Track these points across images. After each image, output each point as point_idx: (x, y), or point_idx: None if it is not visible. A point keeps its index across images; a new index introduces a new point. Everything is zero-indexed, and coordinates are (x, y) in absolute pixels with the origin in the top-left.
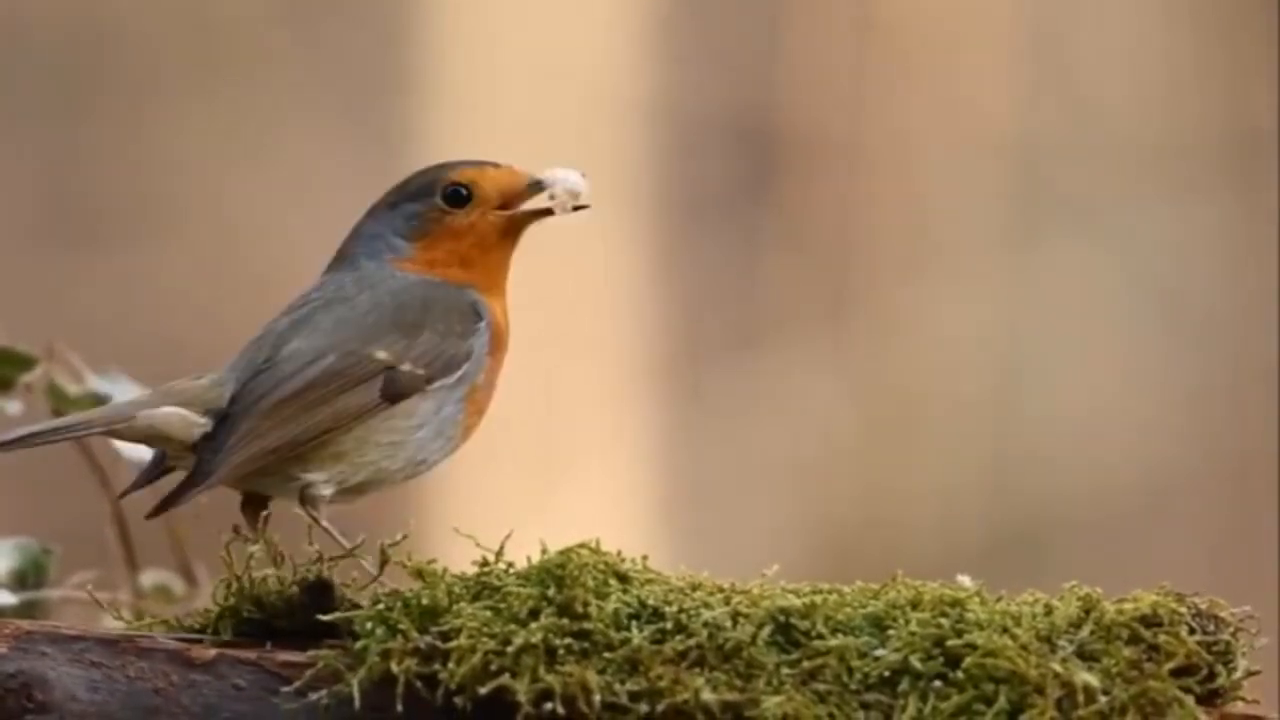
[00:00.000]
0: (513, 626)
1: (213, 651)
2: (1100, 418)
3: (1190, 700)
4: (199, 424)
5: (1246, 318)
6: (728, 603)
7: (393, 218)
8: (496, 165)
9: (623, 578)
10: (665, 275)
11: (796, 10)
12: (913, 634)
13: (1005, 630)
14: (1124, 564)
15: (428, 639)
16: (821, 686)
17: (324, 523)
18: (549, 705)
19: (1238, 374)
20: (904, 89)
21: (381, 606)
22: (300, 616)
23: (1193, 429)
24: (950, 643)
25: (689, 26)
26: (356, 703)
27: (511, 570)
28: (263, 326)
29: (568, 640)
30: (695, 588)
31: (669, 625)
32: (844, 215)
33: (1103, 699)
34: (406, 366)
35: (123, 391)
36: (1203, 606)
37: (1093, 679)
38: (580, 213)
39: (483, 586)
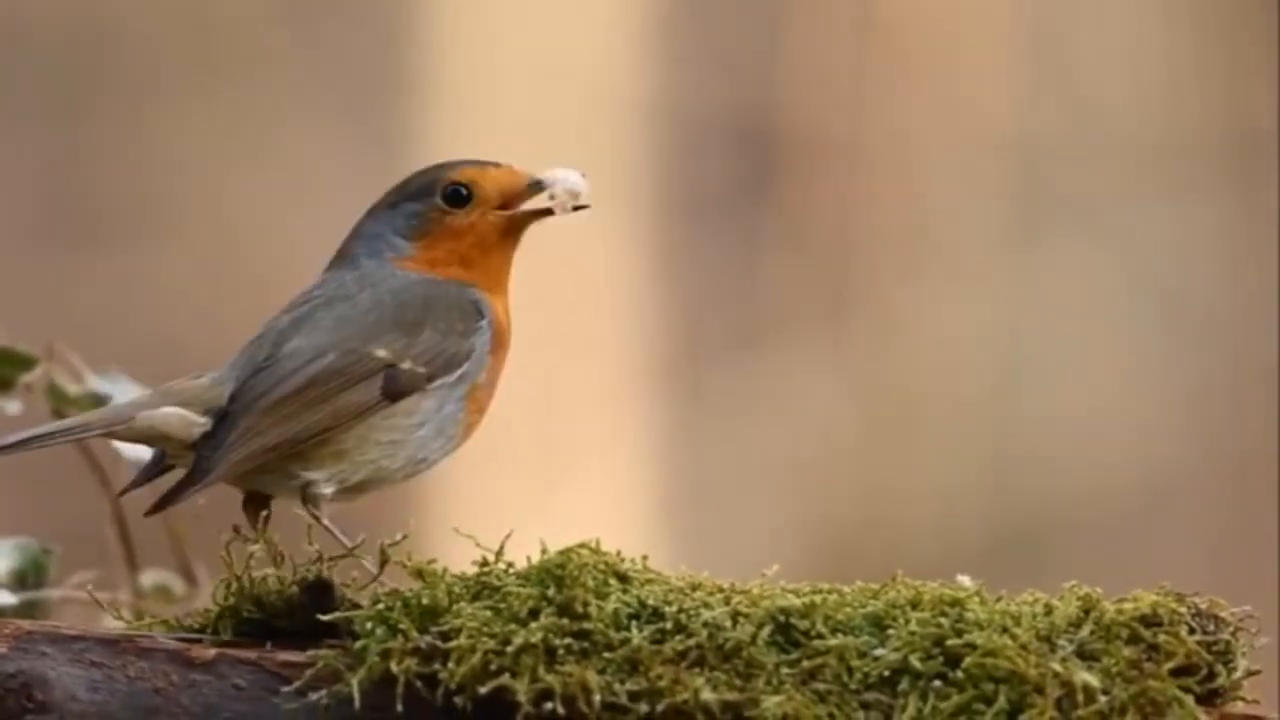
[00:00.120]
0: (513, 626)
1: (213, 651)
2: (1100, 418)
3: (1190, 700)
4: (199, 423)
5: (1246, 318)
6: (728, 603)
7: (393, 217)
8: (497, 165)
9: (623, 578)
10: (665, 275)
11: (796, 10)
12: (913, 634)
13: (1005, 630)
14: (1124, 564)
15: (428, 639)
16: (821, 686)
17: (325, 522)
18: (549, 705)
19: (1238, 374)
20: (904, 89)
21: (381, 606)
22: (300, 616)
23: (1193, 429)
24: (950, 642)
25: (689, 26)
26: (356, 703)
27: (511, 570)
28: (263, 325)
29: (568, 640)
30: (695, 588)
31: (669, 625)
32: (844, 215)
33: (1102, 699)
34: (407, 364)
35: (123, 391)
36: (1203, 606)
37: (1092, 679)
38: (580, 212)
39: (483, 586)
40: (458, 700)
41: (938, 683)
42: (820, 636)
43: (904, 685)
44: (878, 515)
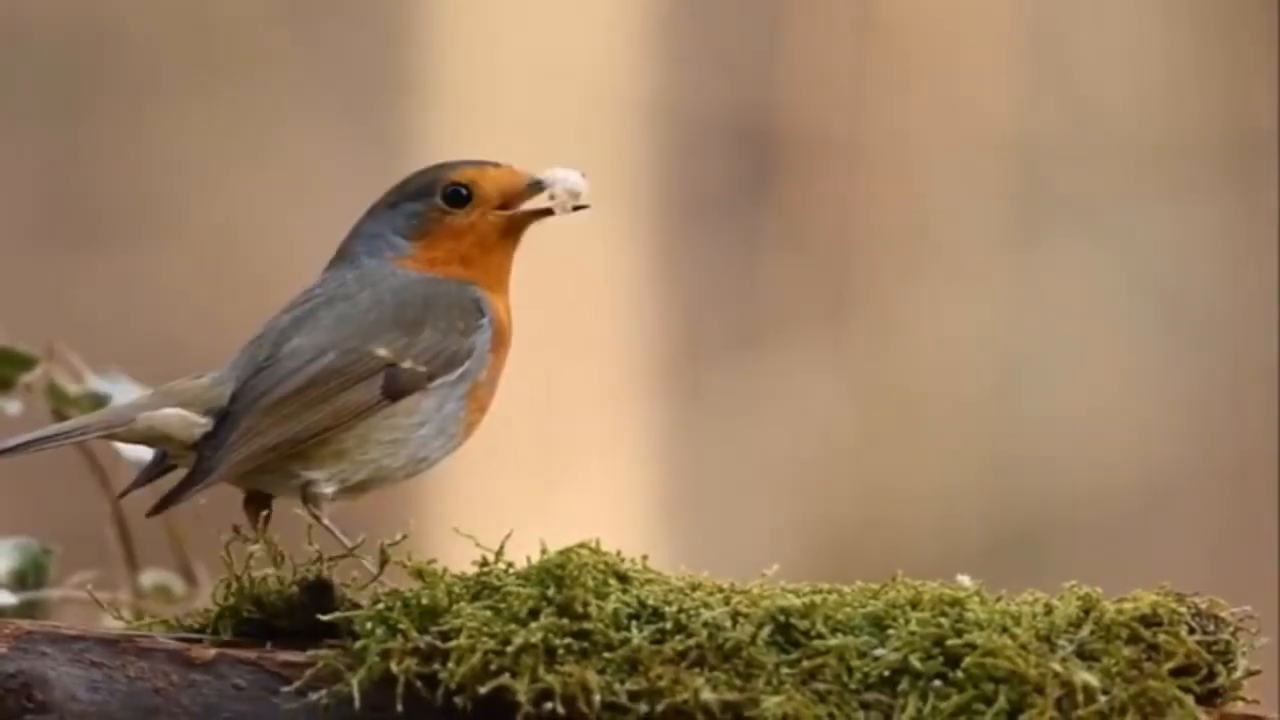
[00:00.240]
0: (513, 626)
1: (213, 651)
2: (1100, 418)
3: (1190, 700)
4: (199, 424)
5: (1246, 318)
6: (728, 603)
7: (393, 217)
8: (496, 165)
9: (623, 578)
10: (665, 275)
11: (796, 10)
12: (912, 634)
13: (1005, 630)
14: (1124, 564)
15: (428, 639)
16: (821, 686)
17: (325, 521)
18: (549, 705)
19: (1238, 374)
20: (904, 89)
21: (381, 606)
22: (300, 616)
23: (1193, 429)
24: (950, 642)
25: (689, 26)
26: (356, 703)
27: (511, 570)
28: (263, 324)
29: (567, 640)
30: (695, 588)
31: (669, 625)
32: (844, 215)
33: (1102, 699)
34: (407, 364)
35: (123, 391)
36: (1203, 606)
37: (1092, 679)
38: (580, 212)
39: (483, 586)
40: (458, 700)
41: (938, 683)
42: (820, 636)
43: (904, 685)
44: (878, 515)
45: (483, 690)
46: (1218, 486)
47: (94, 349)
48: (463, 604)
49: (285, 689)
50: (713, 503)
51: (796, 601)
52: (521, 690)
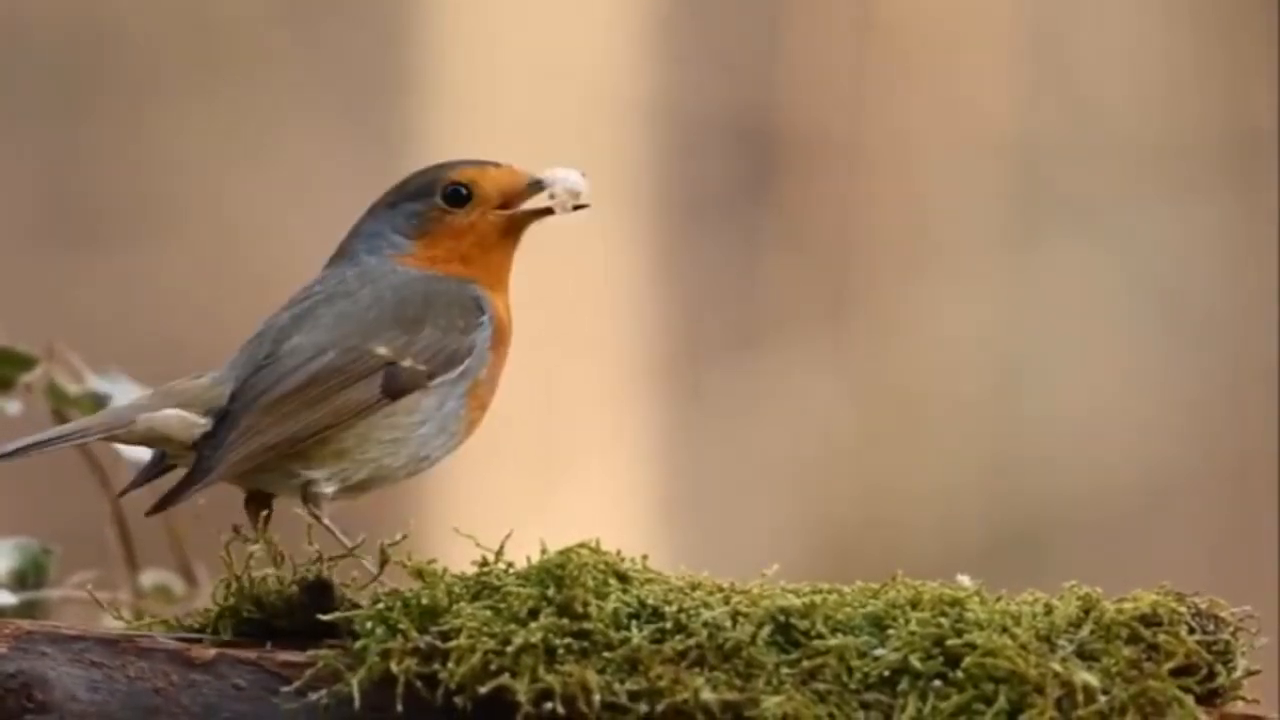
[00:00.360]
0: (512, 626)
1: (213, 651)
2: (1100, 418)
3: (1190, 700)
4: (199, 424)
5: (1246, 318)
6: (727, 602)
7: (393, 216)
8: (496, 165)
9: (623, 577)
10: (665, 275)
11: (796, 10)
12: (912, 634)
13: (1005, 630)
14: (1124, 564)
15: (428, 639)
16: (821, 686)
17: (326, 521)
18: (549, 705)
19: (1238, 374)
20: (904, 89)
21: (381, 606)
22: (300, 616)
23: (1193, 429)
24: (950, 642)
25: (689, 26)
26: (356, 702)
27: (511, 570)
28: (263, 322)
29: (567, 640)
30: (695, 588)
31: (669, 625)
32: (844, 215)
33: (1102, 698)
34: (407, 362)
35: (123, 391)
36: (1203, 606)
37: (1092, 678)
38: (580, 212)
39: (483, 586)
40: (458, 700)
41: (938, 683)
42: (820, 636)
43: (904, 685)
44: (878, 515)
45: (483, 690)
46: (1218, 486)
47: (94, 349)
48: (463, 604)
49: (285, 689)
50: (713, 503)
51: (796, 601)
52: (521, 690)
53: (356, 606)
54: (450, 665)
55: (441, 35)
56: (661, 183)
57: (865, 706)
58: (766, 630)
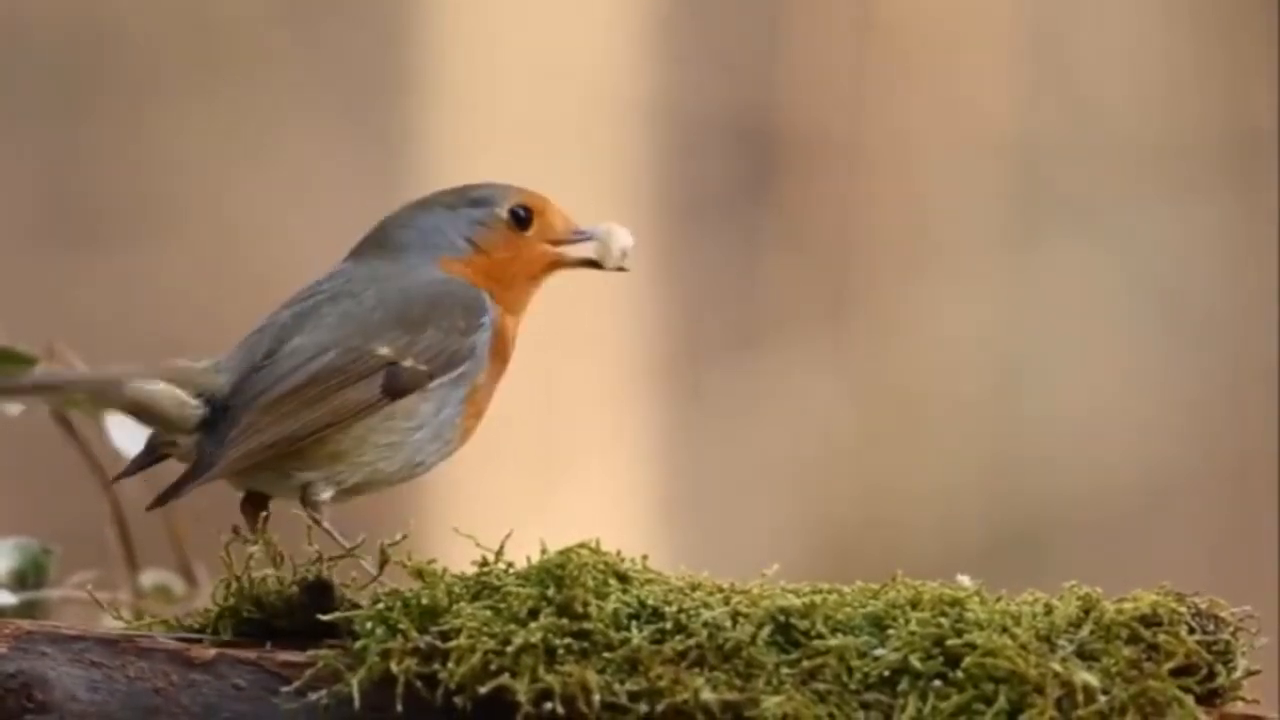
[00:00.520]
0: (512, 626)
1: (213, 651)
2: (1100, 418)
3: (1190, 700)
4: (190, 404)
5: (1246, 318)
6: (727, 603)
7: (455, 219)
8: (552, 201)
9: (623, 578)
10: (665, 275)
11: (796, 10)
12: (912, 634)
13: (1005, 630)
14: (1124, 564)
15: (427, 639)
16: (821, 686)
17: (325, 525)
18: (549, 705)
19: (1238, 374)
20: (904, 89)
21: (381, 606)
22: (300, 616)
23: (1193, 429)
24: (950, 642)
25: (689, 26)
26: (356, 703)
27: (511, 570)
28: (265, 318)
29: (567, 640)
30: (695, 588)
31: (669, 625)
32: (844, 215)
33: (1102, 698)
34: (408, 362)
35: None
36: (1203, 606)
37: (1092, 678)
38: (604, 270)
39: (482, 586)
40: (457, 700)
41: (938, 683)
42: (820, 636)
43: (904, 685)
44: (878, 515)
45: (483, 690)
46: (1218, 486)
47: (94, 349)
48: (463, 604)
49: (285, 689)
50: (713, 503)
51: (796, 601)
52: (521, 690)
53: (356, 606)
54: (450, 665)
55: (441, 35)
56: (661, 183)
57: (865, 706)
58: (766, 630)
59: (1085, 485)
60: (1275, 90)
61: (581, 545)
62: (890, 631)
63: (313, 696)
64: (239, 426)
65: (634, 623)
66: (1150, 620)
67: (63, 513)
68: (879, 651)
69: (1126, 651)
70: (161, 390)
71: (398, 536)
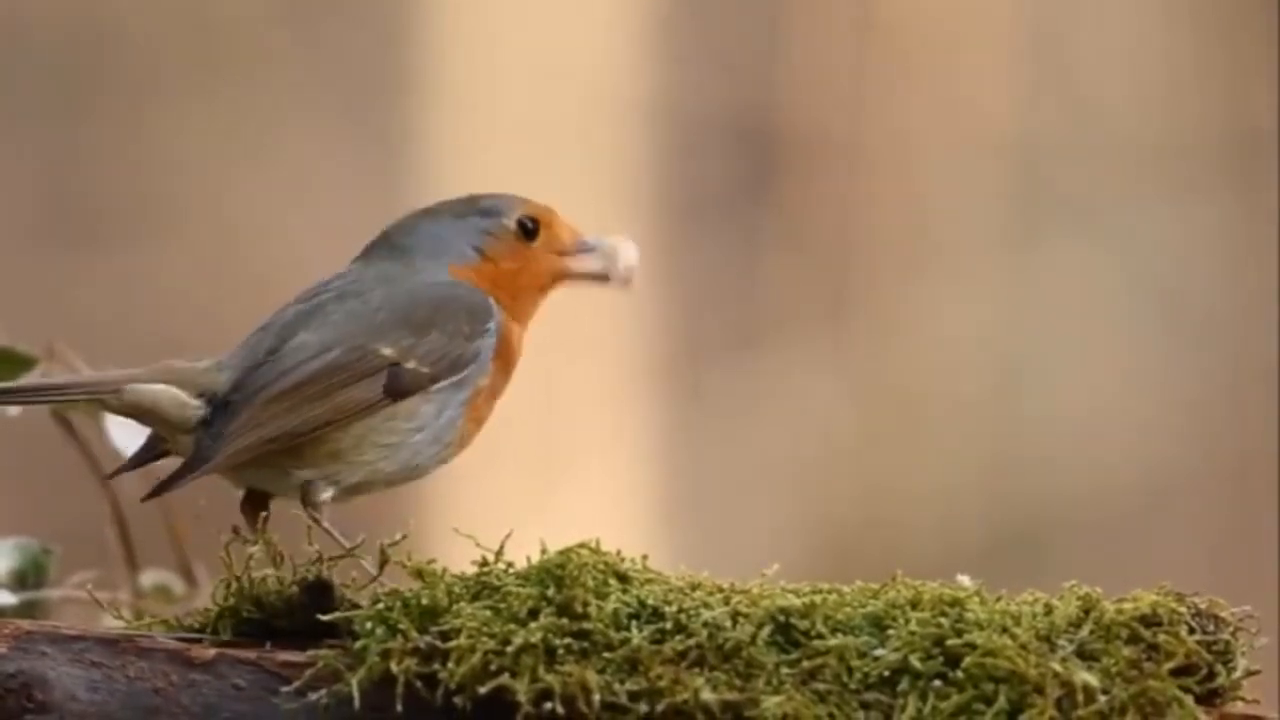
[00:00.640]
0: (512, 626)
1: (213, 651)
2: (1100, 418)
3: (1190, 700)
4: (191, 405)
5: (1246, 318)
6: (727, 603)
7: (463, 227)
8: (558, 213)
9: (623, 578)
10: (665, 275)
11: (796, 10)
12: (912, 634)
13: (1005, 630)
14: (1124, 564)
15: (427, 639)
16: (821, 686)
17: (325, 525)
18: (549, 705)
19: (1238, 374)
20: (904, 89)
21: (381, 606)
22: (300, 616)
23: (1193, 429)
24: (950, 642)
25: (689, 26)
26: (356, 702)
27: (511, 570)
28: (270, 316)
29: (567, 640)
30: (695, 588)
31: (669, 625)
32: (844, 215)
33: (1102, 698)
34: (411, 364)
35: None
36: (1202, 606)
37: (1092, 678)
38: (608, 285)
39: (482, 586)
40: (457, 700)
41: (938, 683)
42: (820, 636)
43: (904, 685)
44: (878, 515)
45: (482, 690)
46: (1218, 486)
47: (94, 349)
48: (463, 604)
49: (285, 689)
50: (713, 503)
51: (796, 601)
52: (521, 690)
53: (356, 606)
54: (450, 665)
55: (441, 35)
56: (661, 183)
57: (865, 706)
58: (766, 630)
59: (1085, 485)
60: (1275, 90)
61: (581, 545)
62: (890, 631)
63: (313, 696)
64: (239, 420)
65: (634, 623)
66: (1150, 620)
67: (63, 513)
68: (879, 651)
69: (1126, 651)
70: (161, 392)
71: (398, 536)
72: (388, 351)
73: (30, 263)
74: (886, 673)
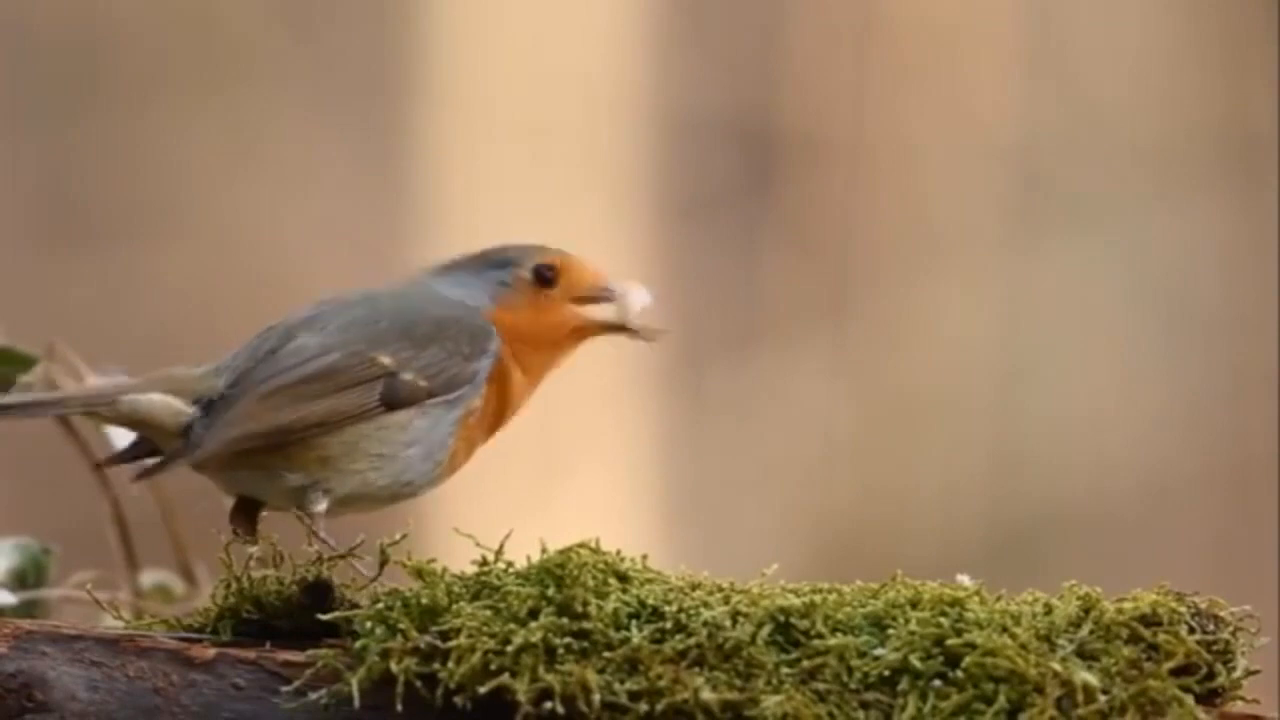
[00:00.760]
0: (512, 626)
1: (213, 651)
2: (1101, 418)
3: (1190, 699)
4: (186, 412)
5: (1247, 318)
6: (727, 602)
7: (479, 280)
8: (579, 259)
9: (622, 577)
10: (665, 275)
11: (796, 10)
12: (912, 633)
13: (1005, 629)
14: (1124, 564)
15: (427, 638)
16: (821, 686)
17: (322, 535)
18: (548, 704)
19: (1238, 374)
20: (904, 89)
21: (381, 606)
22: (300, 616)
23: (1193, 429)
24: (950, 642)
25: (689, 26)
26: (356, 702)
27: (511, 570)
28: (275, 320)
29: (567, 639)
30: (695, 587)
31: (668, 624)
32: (844, 215)
33: (1102, 698)
34: (408, 375)
35: None
36: (1202, 606)
37: (1092, 678)
38: (631, 337)
39: (482, 586)
40: (457, 700)
41: (938, 682)
42: (820, 636)
43: (904, 685)
44: (878, 515)
45: (482, 690)
46: (1218, 486)
47: (93, 348)
48: (463, 604)
49: (285, 689)
50: (713, 503)
51: (796, 601)
52: (521, 690)
53: (356, 606)
54: (450, 665)
55: (441, 35)
56: (661, 183)
57: (865, 706)
58: (766, 630)
59: (1085, 485)
60: (1275, 90)
61: (581, 545)
62: (890, 631)
63: (313, 696)
64: (232, 411)
65: (634, 622)
66: (1150, 620)
67: (63, 513)
68: (879, 651)
69: (1126, 651)
70: (156, 401)
71: (398, 536)
72: (386, 360)
73: (30, 263)
74: (886, 672)
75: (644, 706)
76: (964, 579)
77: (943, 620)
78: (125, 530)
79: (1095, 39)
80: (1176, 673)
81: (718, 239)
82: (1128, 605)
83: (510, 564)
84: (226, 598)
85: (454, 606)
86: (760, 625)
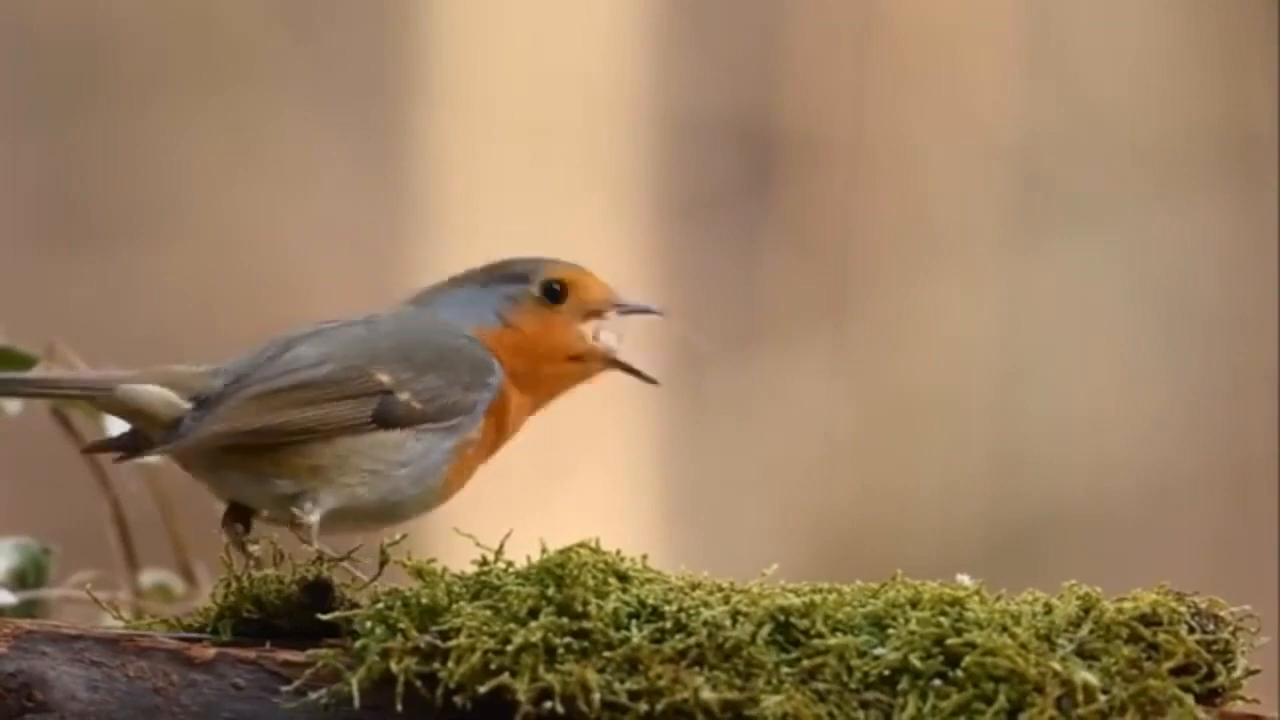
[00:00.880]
0: (512, 625)
1: (213, 651)
2: (1100, 418)
3: (1190, 699)
4: (181, 407)
5: (1247, 318)
6: (727, 602)
7: (488, 294)
8: (589, 273)
9: (622, 577)
10: (665, 275)
11: (796, 10)
12: (912, 633)
13: (1005, 629)
14: (1124, 564)
15: (427, 638)
16: (821, 685)
17: (316, 545)
18: (548, 704)
19: (1238, 374)
20: (904, 89)
21: (381, 605)
22: (300, 616)
23: (1193, 429)
24: (950, 641)
25: (689, 26)
26: (356, 702)
27: (511, 569)
28: (283, 333)
29: (567, 639)
30: (695, 587)
31: (668, 624)
32: (844, 215)
33: (1102, 698)
34: (405, 396)
35: None
36: (1202, 606)
37: (1092, 678)
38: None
39: (482, 586)
40: (457, 700)
41: (938, 682)
42: (820, 636)
43: (904, 684)
44: (878, 515)
45: (482, 689)
46: (1218, 486)
47: (93, 348)
48: (463, 603)
49: (285, 688)
50: (713, 503)
51: (796, 601)
52: (521, 689)
53: (356, 606)
54: (450, 665)
55: (441, 36)
56: (661, 183)
57: (865, 706)
58: (766, 630)
59: (1085, 485)
60: (1275, 90)
61: (581, 545)
62: (890, 631)
63: (313, 696)
64: (224, 406)
65: (634, 622)
66: (1150, 620)
67: (63, 513)
68: (879, 651)
69: (1126, 651)
70: (153, 393)
71: (398, 536)
72: (383, 378)
73: (30, 263)
74: (886, 672)
75: (644, 706)
76: (964, 579)
77: (943, 620)
78: (125, 530)
79: (1095, 39)
80: (1176, 672)
81: (718, 239)
82: (1128, 605)
83: (510, 564)
84: (226, 597)
85: (454, 606)
86: (760, 625)
